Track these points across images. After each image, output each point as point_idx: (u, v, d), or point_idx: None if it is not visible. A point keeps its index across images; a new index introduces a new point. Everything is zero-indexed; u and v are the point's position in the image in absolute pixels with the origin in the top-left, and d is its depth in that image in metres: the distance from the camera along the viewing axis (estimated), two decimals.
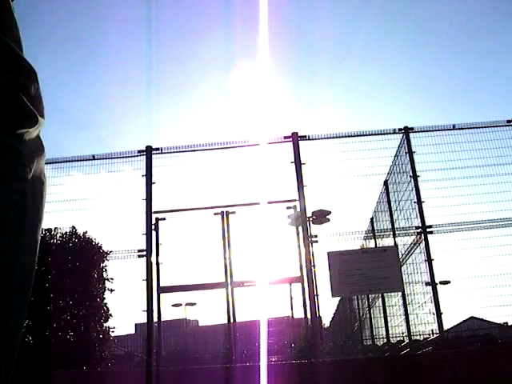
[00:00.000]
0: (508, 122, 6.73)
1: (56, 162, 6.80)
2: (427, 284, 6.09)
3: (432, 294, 5.94)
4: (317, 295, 6.09)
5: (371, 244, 8.13)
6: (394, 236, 7.05)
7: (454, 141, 6.66)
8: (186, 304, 11.02)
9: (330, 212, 7.21)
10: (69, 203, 6.54)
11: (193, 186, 6.87)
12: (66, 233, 6.39)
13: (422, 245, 6.20)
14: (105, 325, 6.60)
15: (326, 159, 6.63)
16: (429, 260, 6.06)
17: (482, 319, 7.53)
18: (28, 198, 0.89)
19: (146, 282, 6.15)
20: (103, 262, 6.71)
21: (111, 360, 6.86)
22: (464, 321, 7.20)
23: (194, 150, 6.76)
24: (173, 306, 8.21)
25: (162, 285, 6.23)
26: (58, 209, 6.50)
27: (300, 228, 6.29)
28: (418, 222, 6.31)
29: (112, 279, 6.78)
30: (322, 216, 7.18)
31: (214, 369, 4.88)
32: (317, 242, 6.35)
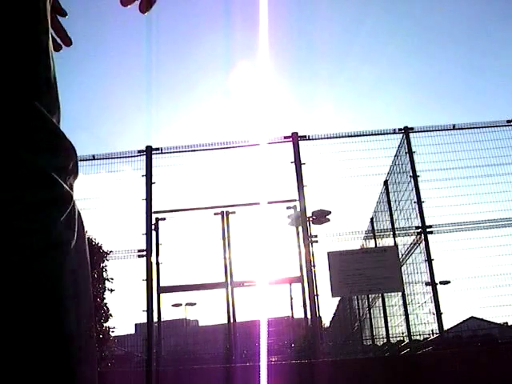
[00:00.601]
0: (508, 121, 6.73)
1: None
2: (427, 284, 6.09)
3: (432, 294, 5.93)
4: (317, 295, 6.08)
5: (371, 244, 8.12)
6: (394, 236, 7.05)
7: (453, 141, 6.67)
8: (186, 304, 11.03)
9: (330, 212, 7.21)
10: None
11: (193, 185, 6.88)
12: None
13: (422, 245, 6.20)
14: (105, 325, 6.60)
15: (326, 159, 6.63)
16: (429, 260, 6.06)
17: (481, 319, 7.52)
18: (77, 273, 0.91)
19: (146, 282, 6.15)
20: (103, 261, 6.71)
21: (111, 360, 6.86)
22: (464, 321, 7.19)
23: (194, 150, 6.76)
24: (173, 306, 8.22)
25: (162, 285, 6.23)
26: None
27: (300, 228, 6.29)
28: (418, 222, 6.31)
29: (112, 279, 6.78)
30: (322, 216, 7.18)
31: (214, 369, 4.88)
32: (317, 241, 6.35)
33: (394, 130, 6.73)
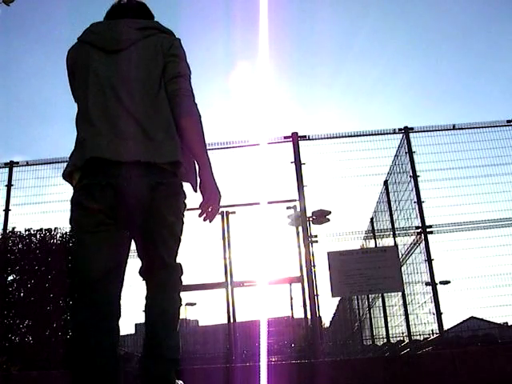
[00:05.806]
0: (508, 121, 6.72)
1: (56, 162, 6.77)
2: (427, 284, 6.09)
3: (432, 294, 5.93)
4: (317, 295, 6.08)
5: (371, 244, 8.12)
6: (394, 236, 7.05)
7: (454, 141, 6.67)
8: (186, 304, 10.99)
9: (330, 212, 7.20)
10: (69, 203, 6.53)
11: None
12: (65, 233, 6.37)
13: (422, 245, 6.19)
14: None
15: (326, 159, 6.63)
16: (429, 260, 6.06)
17: (482, 319, 7.52)
18: None
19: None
20: None
21: None
22: (464, 321, 7.19)
23: None
24: None
25: None
26: (58, 209, 6.49)
27: (300, 228, 6.29)
28: (418, 222, 6.31)
29: None
30: (322, 216, 7.17)
31: (214, 369, 4.87)
32: (317, 241, 6.35)
33: (394, 130, 6.73)
